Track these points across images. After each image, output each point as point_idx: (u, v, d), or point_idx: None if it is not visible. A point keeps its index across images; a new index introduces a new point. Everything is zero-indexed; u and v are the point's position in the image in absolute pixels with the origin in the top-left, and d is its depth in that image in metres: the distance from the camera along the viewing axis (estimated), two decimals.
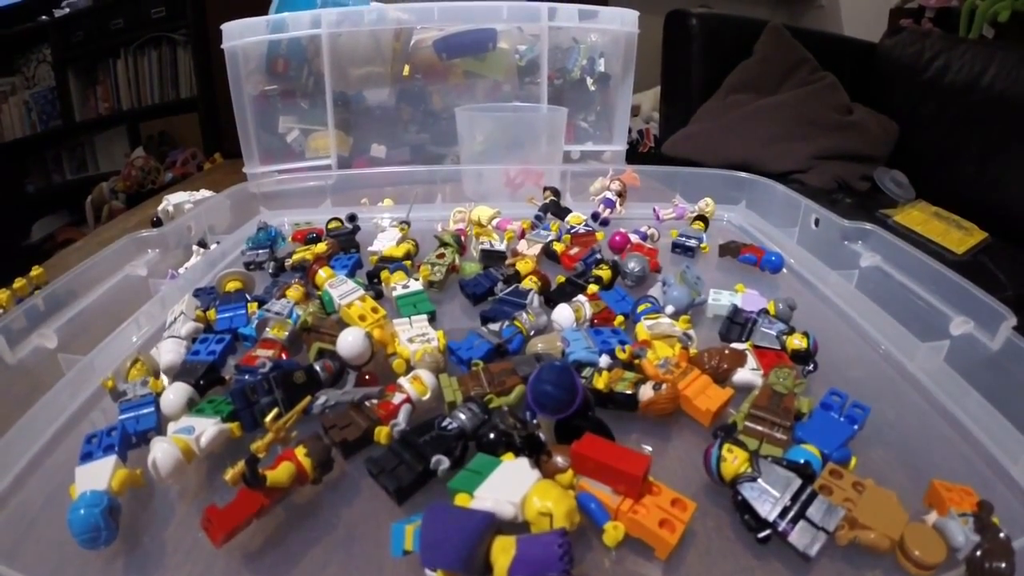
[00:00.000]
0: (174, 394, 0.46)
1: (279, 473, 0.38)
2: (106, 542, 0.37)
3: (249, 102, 1.11)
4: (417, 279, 0.65)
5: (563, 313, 0.58)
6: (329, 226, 0.83)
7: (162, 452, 0.40)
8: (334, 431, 0.44)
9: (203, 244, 0.85)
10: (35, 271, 0.85)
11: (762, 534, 0.36)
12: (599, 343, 0.54)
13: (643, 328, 0.56)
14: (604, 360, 0.51)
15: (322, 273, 0.65)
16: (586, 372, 0.49)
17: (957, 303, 0.60)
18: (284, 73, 1.14)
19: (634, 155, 2.21)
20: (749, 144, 1.65)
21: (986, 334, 0.56)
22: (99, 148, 2.79)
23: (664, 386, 0.46)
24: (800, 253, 0.80)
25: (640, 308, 0.60)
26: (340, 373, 0.49)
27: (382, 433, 0.43)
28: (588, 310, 0.59)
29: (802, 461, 0.40)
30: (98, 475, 0.39)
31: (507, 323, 0.56)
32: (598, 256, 0.72)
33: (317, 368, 0.48)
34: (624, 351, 0.52)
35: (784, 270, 0.75)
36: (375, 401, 0.45)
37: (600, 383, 0.47)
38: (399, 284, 0.64)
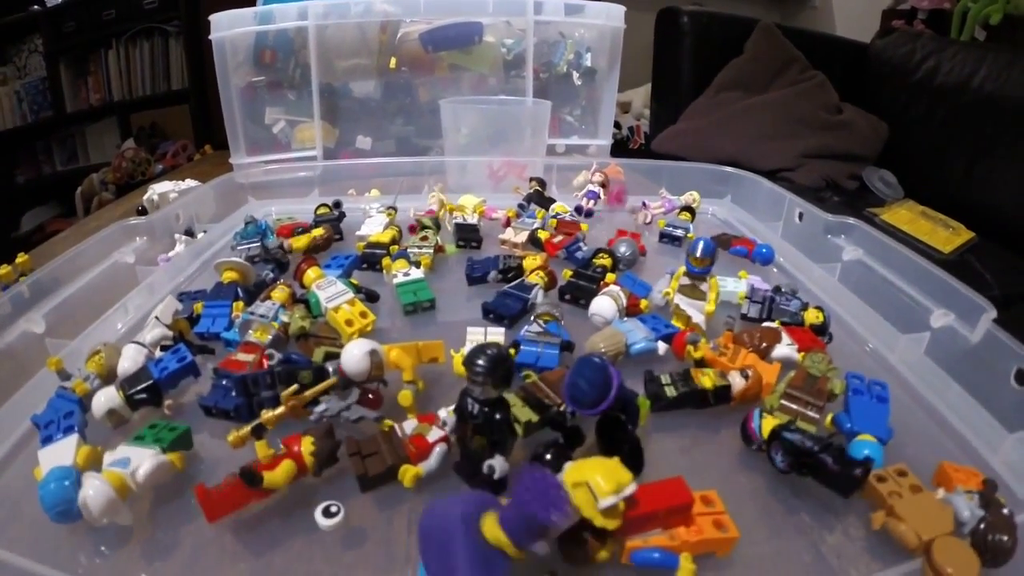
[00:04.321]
0: (105, 397, 0.45)
1: (276, 475, 0.37)
2: (80, 515, 0.36)
3: (236, 93, 1.10)
4: (418, 266, 0.65)
5: (603, 304, 0.59)
6: (317, 211, 0.83)
7: (94, 491, 0.36)
8: (355, 460, 0.41)
9: (190, 233, 0.85)
10: (20, 258, 0.85)
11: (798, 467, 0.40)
12: (650, 331, 0.55)
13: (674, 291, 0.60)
14: (661, 347, 0.53)
15: (311, 273, 0.62)
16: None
17: (939, 297, 0.61)
18: (271, 64, 1.14)
19: (625, 151, 2.21)
20: (738, 142, 1.65)
21: (966, 326, 0.56)
22: (90, 139, 2.78)
23: (750, 372, 0.49)
24: (784, 246, 0.80)
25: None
26: (351, 381, 0.46)
27: (407, 474, 0.39)
28: (623, 299, 0.60)
29: (865, 454, 0.41)
30: (62, 454, 0.39)
31: (544, 319, 0.55)
32: (582, 245, 0.72)
33: (329, 370, 0.45)
34: (697, 349, 0.52)
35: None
36: (407, 434, 0.42)
37: (708, 383, 0.48)
38: (400, 272, 0.63)
